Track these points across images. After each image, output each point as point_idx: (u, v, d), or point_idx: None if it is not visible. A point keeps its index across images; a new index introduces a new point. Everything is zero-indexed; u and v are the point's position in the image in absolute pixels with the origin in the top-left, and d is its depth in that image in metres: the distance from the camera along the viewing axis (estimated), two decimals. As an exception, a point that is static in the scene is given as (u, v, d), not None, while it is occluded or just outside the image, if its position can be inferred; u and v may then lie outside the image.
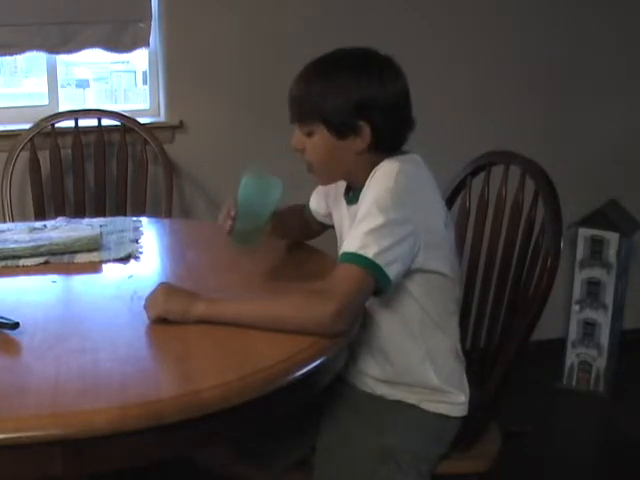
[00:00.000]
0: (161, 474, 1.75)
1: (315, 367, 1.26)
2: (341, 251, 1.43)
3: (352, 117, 1.47)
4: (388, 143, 1.50)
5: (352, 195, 1.60)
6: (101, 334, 1.38)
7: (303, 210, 1.86)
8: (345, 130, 1.48)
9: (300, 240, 1.89)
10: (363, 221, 1.41)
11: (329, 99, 1.47)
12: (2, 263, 1.73)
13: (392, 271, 1.39)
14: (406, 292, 1.50)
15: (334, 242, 1.68)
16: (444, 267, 1.51)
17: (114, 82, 3.13)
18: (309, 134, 1.51)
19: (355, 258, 1.38)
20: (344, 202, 1.63)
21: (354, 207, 1.54)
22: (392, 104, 1.49)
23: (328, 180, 1.63)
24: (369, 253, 1.37)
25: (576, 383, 3.06)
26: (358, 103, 1.46)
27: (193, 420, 1.12)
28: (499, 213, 1.82)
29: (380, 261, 1.37)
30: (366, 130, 1.47)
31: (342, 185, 1.64)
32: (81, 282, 1.71)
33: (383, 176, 1.45)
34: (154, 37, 2.79)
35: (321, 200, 1.77)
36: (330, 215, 1.74)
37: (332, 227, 1.76)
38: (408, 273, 1.46)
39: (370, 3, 2.88)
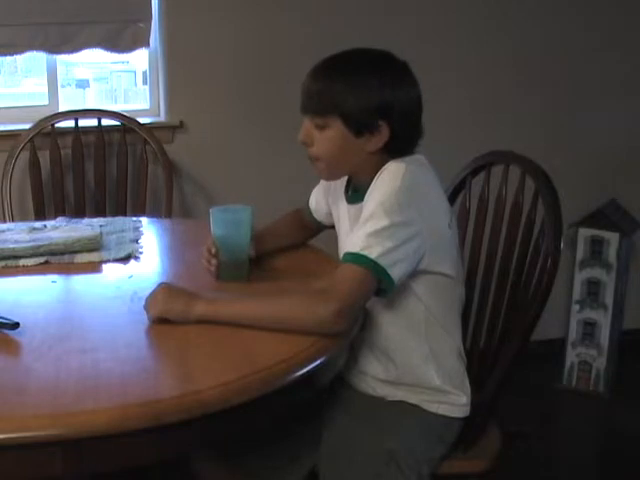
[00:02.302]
0: (161, 474, 1.75)
1: (315, 367, 1.26)
2: (344, 251, 1.43)
3: (372, 116, 1.46)
4: (401, 147, 1.50)
5: (353, 194, 1.60)
6: (101, 334, 1.38)
7: (296, 214, 1.85)
8: (363, 128, 1.47)
9: (298, 242, 1.89)
10: (368, 222, 1.40)
11: (351, 96, 1.46)
12: (2, 263, 1.73)
13: (395, 272, 1.39)
14: (411, 292, 1.50)
15: (334, 242, 1.68)
16: (449, 268, 1.51)
17: (114, 82, 3.13)
18: (322, 127, 1.50)
19: (358, 258, 1.37)
20: (344, 200, 1.63)
21: (355, 206, 1.54)
22: (409, 109, 1.49)
23: (332, 175, 1.61)
24: (372, 254, 1.37)
25: (576, 383, 3.06)
26: (379, 104, 1.46)
27: (193, 420, 1.12)
28: (499, 213, 1.82)
29: (383, 262, 1.37)
30: (384, 130, 1.47)
31: (342, 183, 1.64)
32: (81, 282, 1.71)
33: (389, 177, 1.44)
34: (154, 37, 2.79)
35: (321, 199, 1.77)
36: (331, 214, 1.74)
37: (331, 227, 1.75)
38: (413, 274, 1.46)
39: (370, 6, 2.88)
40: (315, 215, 1.81)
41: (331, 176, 1.62)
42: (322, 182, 1.75)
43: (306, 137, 1.52)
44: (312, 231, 1.86)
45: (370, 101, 1.46)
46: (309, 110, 1.51)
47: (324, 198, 1.75)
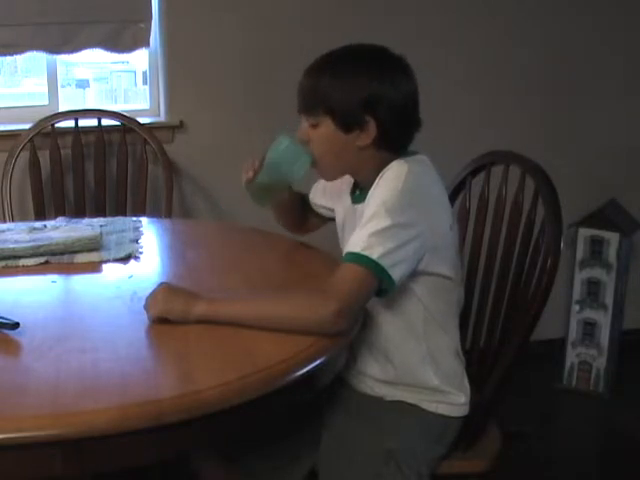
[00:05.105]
0: (161, 474, 1.75)
1: (315, 367, 1.26)
2: (345, 251, 1.43)
3: (359, 111, 1.46)
4: (393, 141, 1.50)
5: (358, 194, 1.60)
6: (101, 334, 1.38)
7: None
8: (351, 124, 1.47)
9: (295, 229, 1.89)
10: (370, 222, 1.40)
11: (337, 92, 1.46)
12: (2, 263, 1.73)
13: (396, 273, 1.39)
14: (410, 292, 1.50)
15: (334, 241, 1.68)
16: (448, 269, 1.51)
17: (114, 82, 3.13)
18: (315, 125, 1.51)
19: (359, 258, 1.37)
20: (349, 199, 1.63)
21: (359, 206, 1.54)
22: (400, 104, 1.48)
23: (330, 175, 1.61)
24: (374, 254, 1.37)
25: (576, 383, 3.06)
26: (366, 99, 1.46)
27: (193, 420, 1.12)
28: (499, 213, 1.82)
29: (384, 263, 1.37)
30: (372, 125, 1.47)
31: (349, 182, 1.64)
32: (81, 282, 1.71)
33: (392, 177, 1.44)
34: (154, 37, 2.79)
35: (318, 192, 1.79)
36: (323, 206, 1.77)
37: (330, 220, 1.77)
38: (413, 275, 1.46)
39: (370, 4, 2.89)
40: (312, 206, 1.83)
41: (329, 175, 1.62)
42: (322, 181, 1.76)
43: (303, 135, 1.54)
44: (312, 223, 1.88)
45: (356, 95, 1.46)
46: (302, 109, 1.53)
47: (321, 192, 1.77)
